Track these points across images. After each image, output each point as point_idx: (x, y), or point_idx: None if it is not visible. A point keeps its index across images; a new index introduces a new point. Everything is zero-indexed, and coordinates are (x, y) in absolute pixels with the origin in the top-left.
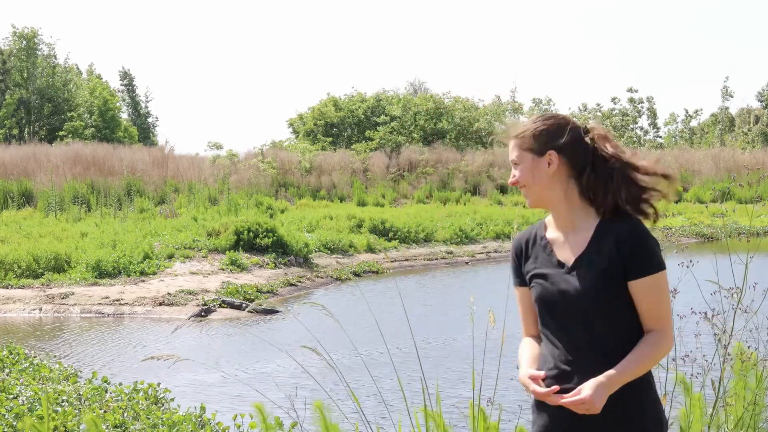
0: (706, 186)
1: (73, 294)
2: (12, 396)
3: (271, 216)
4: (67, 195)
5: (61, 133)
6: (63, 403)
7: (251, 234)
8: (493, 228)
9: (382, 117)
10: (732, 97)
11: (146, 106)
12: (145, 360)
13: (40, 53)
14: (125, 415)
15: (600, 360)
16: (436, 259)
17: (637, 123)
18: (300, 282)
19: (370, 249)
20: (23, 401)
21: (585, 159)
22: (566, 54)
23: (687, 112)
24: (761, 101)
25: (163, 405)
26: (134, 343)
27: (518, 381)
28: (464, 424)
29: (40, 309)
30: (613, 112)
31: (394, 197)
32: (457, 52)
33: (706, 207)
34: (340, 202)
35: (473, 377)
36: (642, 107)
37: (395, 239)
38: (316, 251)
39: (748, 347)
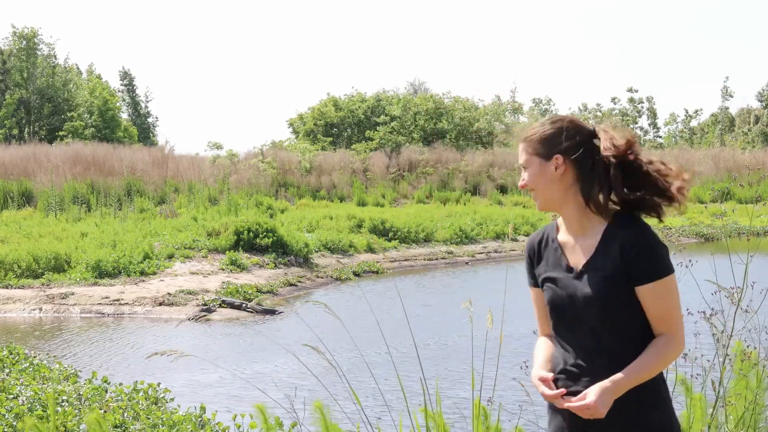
0: (706, 186)
1: (73, 294)
2: (12, 396)
3: (271, 216)
4: (67, 195)
5: (61, 133)
6: (63, 403)
7: (251, 234)
8: (493, 228)
9: (382, 117)
10: (732, 97)
11: (146, 106)
12: (150, 357)
13: (40, 53)
14: (125, 415)
15: (608, 364)
16: (436, 259)
17: (637, 123)
18: (300, 282)
19: (370, 249)
20: (23, 401)
21: (594, 162)
22: (566, 54)
23: (687, 112)
24: (761, 101)
25: (163, 405)
26: (134, 343)
27: (518, 381)
28: (464, 425)
29: (40, 309)
30: (613, 112)
31: (394, 197)
32: (457, 52)
33: (706, 207)
34: (340, 202)
35: (473, 377)
36: (642, 107)
37: (395, 239)
38: (316, 251)
39: (747, 347)
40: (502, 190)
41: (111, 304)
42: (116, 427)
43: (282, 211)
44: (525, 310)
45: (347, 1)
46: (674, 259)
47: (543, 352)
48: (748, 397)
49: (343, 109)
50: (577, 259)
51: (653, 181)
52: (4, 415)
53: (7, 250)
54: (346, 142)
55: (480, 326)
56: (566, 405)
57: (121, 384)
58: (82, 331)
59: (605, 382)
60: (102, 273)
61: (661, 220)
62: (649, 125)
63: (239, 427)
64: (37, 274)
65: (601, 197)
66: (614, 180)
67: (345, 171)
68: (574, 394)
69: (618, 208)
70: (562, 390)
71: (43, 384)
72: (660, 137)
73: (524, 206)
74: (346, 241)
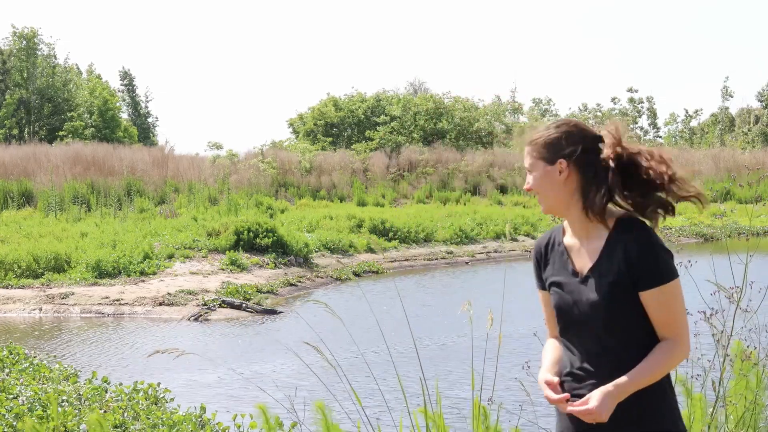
0: (706, 186)
1: (73, 294)
2: (12, 396)
3: (271, 216)
4: (67, 195)
5: (61, 133)
6: (63, 403)
7: (251, 234)
8: (493, 228)
9: (382, 117)
10: (732, 97)
11: (146, 106)
12: (151, 355)
13: (40, 53)
14: (125, 415)
15: (614, 368)
16: (436, 259)
17: (637, 123)
18: (300, 282)
19: (370, 249)
20: (23, 401)
21: (597, 167)
22: (566, 54)
23: (687, 112)
24: (761, 101)
25: (162, 405)
26: (134, 343)
27: (518, 381)
28: (463, 425)
29: (40, 309)
30: (613, 112)
31: (394, 197)
32: (457, 52)
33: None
34: (340, 202)
35: (473, 377)
36: (642, 107)
37: (395, 239)
38: (316, 251)
39: (747, 347)
40: (502, 190)
41: (111, 304)
42: (116, 427)
43: (282, 211)
44: (524, 310)
45: (347, 1)
46: (674, 259)
47: (551, 354)
48: (748, 397)
49: (343, 109)
50: (583, 263)
51: (653, 183)
52: (4, 415)
53: (7, 250)
54: (346, 142)
55: (480, 326)
56: (569, 409)
57: (121, 384)
58: (81, 331)
59: (607, 387)
60: (102, 273)
61: (664, 217)
62: (649, 125)
63: (239, 427)
64: (37, 274)
65: (597, 202)
66: (612, 184)
67: (345, 171)
68: (580, 396)
69: (624, 211)
70: (566, 395)
71: (43, 384)
72: (660, 137)
73: (524, 206)
74: (346, 241)
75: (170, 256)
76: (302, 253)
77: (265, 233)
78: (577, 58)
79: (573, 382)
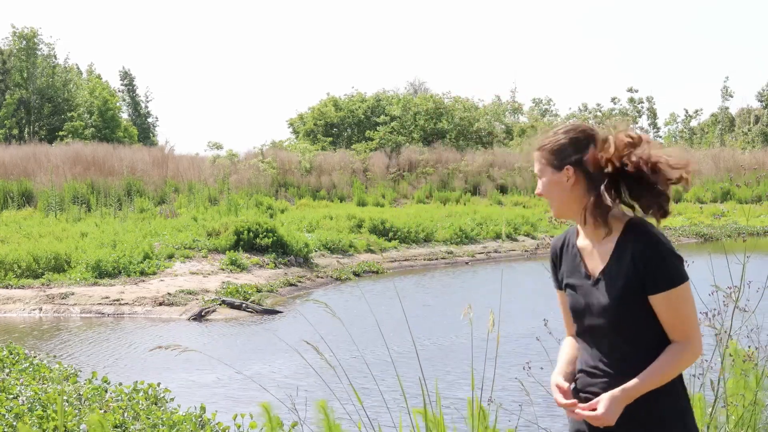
0: (706, 186)
1: (73, 294)
2: (12, 396)
3: (271, 216)
4: (67, 195)
5: (61, 133)
6: (63, 403)
7: (251, 234)
8: (493, 228)
9: (382, 117)
10: (732, 97)
11: (146, 106)
12: (152, 350)
13: (40, 53)
14: (125, 415)
15: (625, 369)
16: (436, 259)
17: (637, 123)
18: (300, 282)
19: (370, 249)
20: (23, 401)
21: (601, 174)
22: (566, 54)
23: (687, 112)
24: (761, 101)
25: (163, 405)
26: (134, 343)
27: (518, 381)
28: (463, 425)
29: (40, 309)
30: (613, 112)
31: (394, 197)
32: (457, 52)
33: (701, 208)
34: (340, 202)
35: (472, 377)
36: (642, 107)
37: (395, 239)
38: (316, 251)
39: (749, 347)
40: (502, 190)
41: (111, 304)
42: (116, 427)
43: (282, 211)
44: (524, 311)
45: (347, 1)
46: None
47: (566, 353)
48: (748, 397)
49: (343, 109)
50: (595, 265)
51: (654, 187)
52: (4, 415)
53: (7, 250)
54: (346, 142)
55: (479, 327)
56: (577, 412)
57: (121, 384)
58: (81, 331)
59: (615, 391)
60: (102, 273)
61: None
62: (649, 125)
63: (239, 427)
64: (37, 274)
65: (596, 208)
66: (604, 194)
67: (345, 171)
68: (592, 393)
69: (631, 215)
70: (575, 401)
71: (43, 384)
72: (660, 137)
73: (524, 206)
74: (346, 241)
75: (170, 256)
76: (302, 253)
77: (265, 233)
78: (577, 58)
79: (587, 378)
